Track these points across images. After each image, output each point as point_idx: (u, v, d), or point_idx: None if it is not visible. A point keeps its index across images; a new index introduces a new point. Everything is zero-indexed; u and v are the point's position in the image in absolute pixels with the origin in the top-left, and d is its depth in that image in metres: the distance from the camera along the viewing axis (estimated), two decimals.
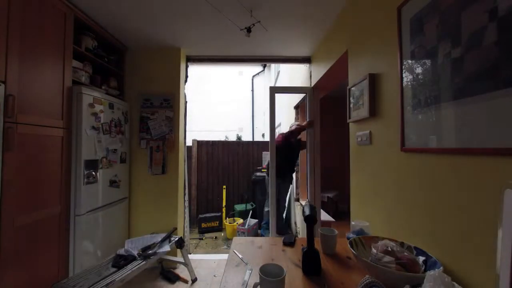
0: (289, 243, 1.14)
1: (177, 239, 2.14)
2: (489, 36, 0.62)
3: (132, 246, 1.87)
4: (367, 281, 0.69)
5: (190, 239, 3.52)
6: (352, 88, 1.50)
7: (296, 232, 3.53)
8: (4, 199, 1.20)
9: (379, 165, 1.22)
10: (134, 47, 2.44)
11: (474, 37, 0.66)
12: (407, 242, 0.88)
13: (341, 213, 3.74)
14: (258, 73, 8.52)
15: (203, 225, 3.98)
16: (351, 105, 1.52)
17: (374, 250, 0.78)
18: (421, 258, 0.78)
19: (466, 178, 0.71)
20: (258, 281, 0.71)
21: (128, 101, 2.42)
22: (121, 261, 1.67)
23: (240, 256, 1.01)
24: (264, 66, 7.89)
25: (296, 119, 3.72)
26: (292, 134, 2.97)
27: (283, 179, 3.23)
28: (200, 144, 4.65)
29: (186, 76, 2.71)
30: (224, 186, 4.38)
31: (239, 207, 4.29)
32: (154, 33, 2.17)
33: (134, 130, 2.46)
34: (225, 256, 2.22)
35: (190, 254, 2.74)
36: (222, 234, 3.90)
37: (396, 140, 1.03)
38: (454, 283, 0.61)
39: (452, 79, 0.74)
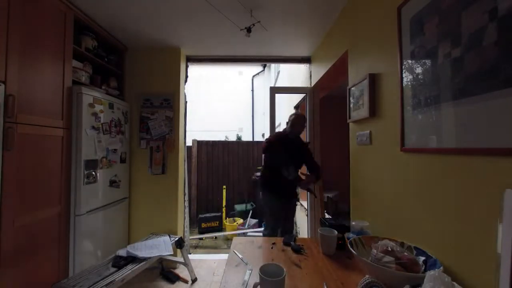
0: (289, 243, 1.14)
1: (177, 239, 2.14)
2: (489, 36, 0.62)
3: (134, 249, 1.86)
4: (367, 281, 0.69)
5: (190, 239, 3.52)
6: (352, 88, 1.50)
7: (296, 232, 3.53)
8: (4, 199, 1.20)
9: (379, 165, 1.22)
10: (134, 47, 2.44)
11: (474, 37, 0.66)
12: (407, 242, 0.88)
13: (341, 213, 3.74)
14: (258, 73, 8.52)
15: (203, 225, 3.98)
16: (351, 105, 1.52)
17: (374, 250, 0.78)
18: (421, 258, 0.78)
19: (466, 178, 0.71)
20: (258, 281, 0.71)
21: (128, 101, 2.42)
22: (121, 261, 1.67)
23: (240, 256, 1.01)
24: (264, 66, 7.89)
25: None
26: (292, 129, 2.04)
27: (289, 198, 2.16)
28: (200, 144, 4.65)
29: (186, 76, 2.71)
30: (224, 186, 4.38)
31: (239, 207, 4.29)
32: (154, 33, 2.17)
33: (134, 130, 2.46)
34: (225, 256, 2.21)
35: (190, 254, 2.74)
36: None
37: (396, 140, 1.03)
38: (454, 283, 0.61)
39: (452, 79, 0.74)
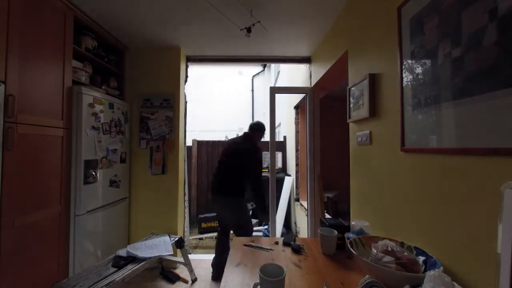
0: (289, 243, 1.14)
1: (177, 239, 2.14)
2: (489, 36, 0.62)
3: (134, 249, 1.85)
4: (367, 281, 0.69)
5: (190, 239, 3.52)
6: (352, 88, 1.50)
7: (296, 232, 3.53)
8: (4, 199, 1.20)
9: (379, 165, 1.22)
10: (134, 47, 2.44)
11: (474, 37, 0.66)
12: (407, 242, 0.88)
13: (341, 213, 3.74)
14: (258, 73, 8.53)
15: (203, 225, 3.98)
16: (351, 105, 1.52)
17: (374, 250, 0.78)
18: (421, 258, 0.78)
19: (466, 178, 0.71)
20: (258, 281, 0.71)
21: (128, 101, 2.42)
22: (121, 261, 1.67)
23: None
24: (264, 66, 7.90)
25: (296, 119, 3.73)
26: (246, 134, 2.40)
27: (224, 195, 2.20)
28: (200, 144, 4.65)
29: (186, 76, 2.71)
30: None
31: None
32: (154, 33, 2.17)
33: (134, 130, 2.46)
34: None
35: (190, 254, 2.74)
36: None
37: (396, 140, 1.03)
38: (454, 283, 0.61)
39: (452, 79, 0.74)
